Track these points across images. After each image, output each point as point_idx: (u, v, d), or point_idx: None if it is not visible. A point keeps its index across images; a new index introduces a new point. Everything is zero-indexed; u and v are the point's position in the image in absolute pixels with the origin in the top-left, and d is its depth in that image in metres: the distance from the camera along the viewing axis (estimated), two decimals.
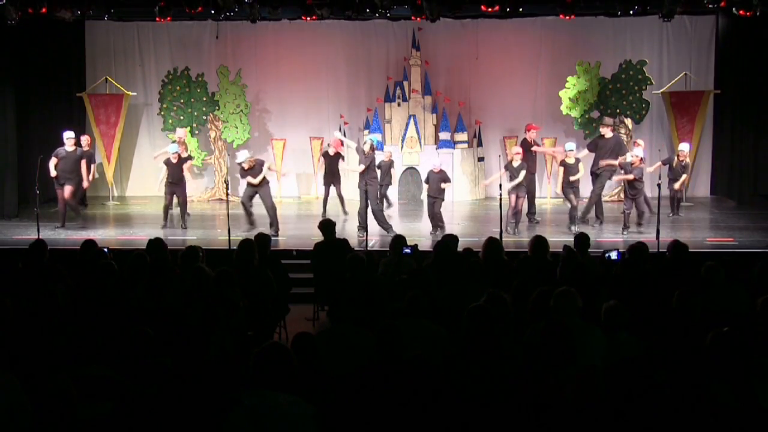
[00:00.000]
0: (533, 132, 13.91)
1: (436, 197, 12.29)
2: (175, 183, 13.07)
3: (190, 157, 14.56)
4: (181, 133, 15.38)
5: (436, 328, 5.61)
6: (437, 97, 16.64)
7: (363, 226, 11.56)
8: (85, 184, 13.48)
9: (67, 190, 12.93)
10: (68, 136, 13.15)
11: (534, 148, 13.70)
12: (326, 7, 13.84)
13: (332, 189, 14.37)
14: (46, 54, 16.17)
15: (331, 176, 14.39)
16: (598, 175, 13.13)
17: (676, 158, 13.92)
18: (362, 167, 12.13)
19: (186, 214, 13.32)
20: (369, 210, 12.05)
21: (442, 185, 12.28)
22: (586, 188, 13.74)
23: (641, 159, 12.27)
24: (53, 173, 12.97)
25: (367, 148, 12.30)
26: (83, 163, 13.21)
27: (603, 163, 12.95)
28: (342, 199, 14.52)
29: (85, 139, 14.38)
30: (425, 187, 12.69)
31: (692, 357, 4.95)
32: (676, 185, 13.75)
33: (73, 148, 13.01)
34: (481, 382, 4.66)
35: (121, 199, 16.86)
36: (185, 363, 5.05)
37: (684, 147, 14.07)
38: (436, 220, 12.29)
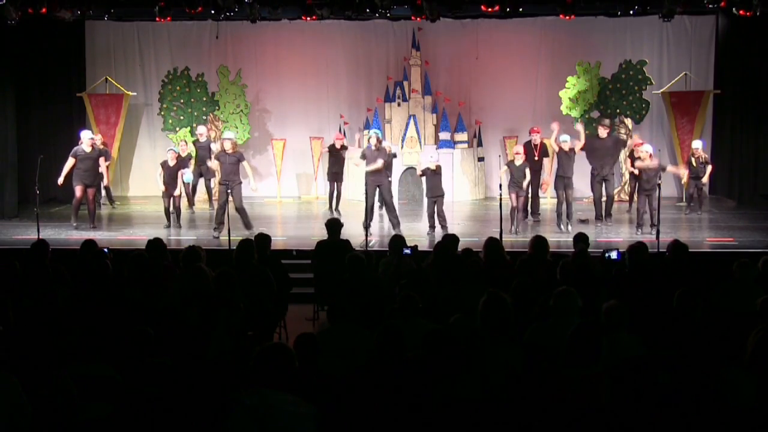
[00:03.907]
0: (536, 136, 13.91)
1: (438, 196, 12.28)
2: (172, 185, 13.19)
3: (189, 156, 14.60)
4: (203, 130, 15.37)
5: (434, 328, 5.60)
6: (437, 97, 16.63)
7: (367, 225, 11.55)
8: (105, 181, 13.34)
9: (90, 193, 12.90)
10: (86, 135, 13.01)
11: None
12: (326, 7, 13.85)
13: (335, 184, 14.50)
14: (46, 54, 16.17)
15: (336, 172, 14.43)
16: (605, 180, 13.07)
17: (692, 157, 14.14)
18: (380, 162, 12.15)
19: (179, 212, 13.40)
20: (377, 205, 12.13)
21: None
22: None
23: (650, 155, 12.24)
24: (62, 178, 12.85)
25: (374, 141, 12.31)
26: (102, 160, 13.15)
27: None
28: (339, 197, 14.54)
29: (99, 138, 14.65)
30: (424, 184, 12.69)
31: (706, 354, 4.95)
32: (704, 179, 14.02)
33: (90, 148, 12.90)
34: (481, 382, 4.66)
35: (121, 199, 16.83)
36: (185, 363, 5.05)
37: (697, 144, 14.20)
38: (441, 219, 12.25)
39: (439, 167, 12.24)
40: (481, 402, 4.50)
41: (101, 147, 14.73)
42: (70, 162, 12.80)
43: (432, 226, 12.26)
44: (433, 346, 4.68)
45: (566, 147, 12.48)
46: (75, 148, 12.95)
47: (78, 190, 12.88)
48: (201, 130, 15.28)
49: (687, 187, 14.75)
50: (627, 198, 15.22)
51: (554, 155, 13.31)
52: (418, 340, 5.05)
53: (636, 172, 12.70)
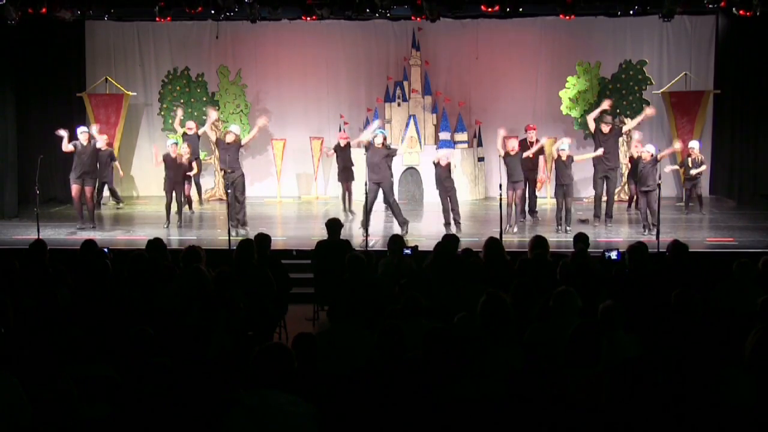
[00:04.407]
0: (532, 133, 13.92)
1: (451, 188, 12.31)
2: (178, 181, 13.15)
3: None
4: (192, 125, 15.32)
5: (435, 326, 5.60)
6: (437, 97, 16.64)
7: (365, 225, 11.52)
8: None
9: (88, 191, 12.86)
10: (82, 130, 13.03)
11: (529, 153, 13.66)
12: (326, 7, 13.84)
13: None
14: (46, 54, 16.16)
15: (346, 171, 14.41)
16: (606, 178, 13.04)
17: (688, 158, 14.16)
18: (392, 154, 12.21)
19: (183, 212, 13.37)
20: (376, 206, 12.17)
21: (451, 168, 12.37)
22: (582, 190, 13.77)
23: (652, 155, 12.20)
24: (67, 147, 12.76)
25: (379, 140, 12.24)
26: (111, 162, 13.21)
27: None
28: (351, 196, 14.48)
29: (104, 138, 14.75)
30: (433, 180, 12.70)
31: (711, 353, 4.95)
32: (693, 171, 14.09)
33: (87, 141, 12.89)
34: (481, 382, 4.66)
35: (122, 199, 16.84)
36: (185, 363, 5.05)
37: (694, 144, 14.18)
38: (455, 213, 12.29)
39: (448, 164, 12.47)
40: (481, 402, 4.50)
41: (105, 147, 14.80)
42: (70, 147, 12.77)
43: (449, 222, 12.34)
44: (434, 344, 4.68)
45: (564, 155, 12.47)
46: (75, 141, 12.91)
47: (73, 190, 12.88)
48: (190, 124, 15.24)
49: (684, 187, 14.76)
50: (626, 198, 15.22)
51: (553, 161, 13.30)
52: (419, 340, 5.05)
53: (631, 156, 12.71)
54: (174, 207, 13.17)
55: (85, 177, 12.81)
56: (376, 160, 12.09)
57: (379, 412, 4.43)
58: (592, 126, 13.07)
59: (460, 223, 12.39)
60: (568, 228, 12.19)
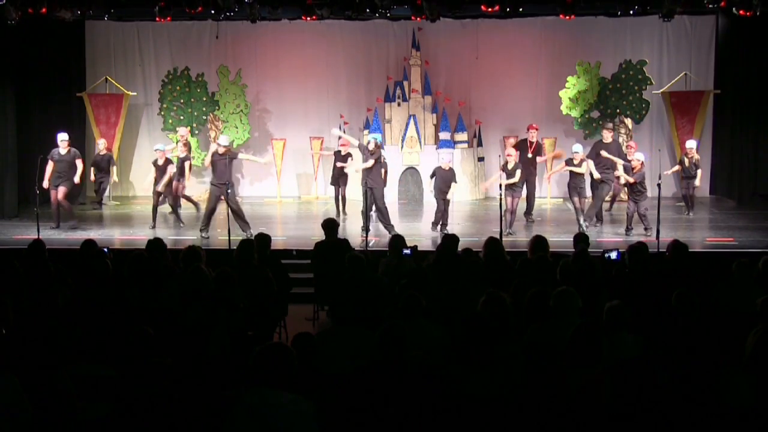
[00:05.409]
0: (533, 132, 13.91)
1: (445, 197, 12.31)
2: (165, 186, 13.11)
3: (187, 158, 14.44)
4: (183, 131, 15.29)
5: (434, 328, 5.61)
6: (437, 97, 16.64)
7: (366, 227, 11.52)
8: (77, 180, 13.08)
9: (61, 191, 12.73)
10: (62, 138, 12.98)
11: (540, 159, 13.78)
12: (326, 7, 13.85)
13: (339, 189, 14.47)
14: (46, 54, 16.17)
15: (340, 176, 14.43)
16: (601, 182, 12.96)
17: (685, 157, 14.07)
18: (370, 162, 12.12)
19: (178, 212, 13.37)
20: (372, 210, 12.09)
21: (452, 185, 12.27)
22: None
23: (642, 163, 12.19)
24: (46, 182, 12.69)
25: (372, 146, 12.31)
26: (78, 162, 13.06)
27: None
28: (345, 200, 14.53)
29: (102, 143, 15.08)
30: (429, 183, 12.64)
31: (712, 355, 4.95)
32: (697, 182, 13.86)
33: (66, 150, 12.89)
34: (482, 382, 4.66)
35: (121, 199, 16.84)
36: (185, 363, 5.05)
37: (692, 144, 14.13)
38: (446, 219, 12.30)
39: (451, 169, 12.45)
40: (481, 402, 4.50)
41: (105, 152, 14.88)
42: (51, 166, 12.77)
43: (437, 223, 12.37)
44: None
45: (578, 159, 12.51)
46: (52, 150, 12.91)
47: (52, 195, 12.83)
48: (182, 131, 15.15)
49: (682, 187, 14.69)
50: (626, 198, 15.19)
51: (552, 161, 13.31)
52: (420, 340, 5.05)
53: (623, 181, 12.52)
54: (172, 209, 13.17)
55: (59, 182, 12.73)
56: (373, 163, 12.20)
57: (380, 411, 4.43)
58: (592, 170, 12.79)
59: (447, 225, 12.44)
60: (584, 227, 12.16)
